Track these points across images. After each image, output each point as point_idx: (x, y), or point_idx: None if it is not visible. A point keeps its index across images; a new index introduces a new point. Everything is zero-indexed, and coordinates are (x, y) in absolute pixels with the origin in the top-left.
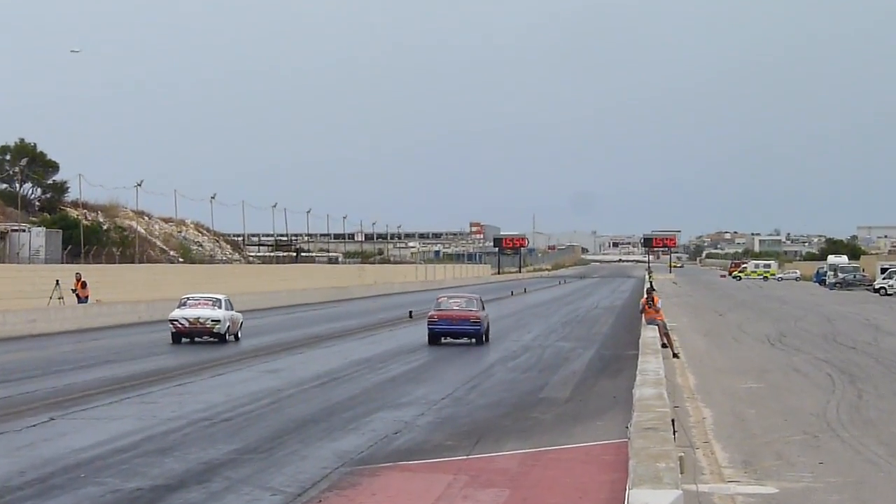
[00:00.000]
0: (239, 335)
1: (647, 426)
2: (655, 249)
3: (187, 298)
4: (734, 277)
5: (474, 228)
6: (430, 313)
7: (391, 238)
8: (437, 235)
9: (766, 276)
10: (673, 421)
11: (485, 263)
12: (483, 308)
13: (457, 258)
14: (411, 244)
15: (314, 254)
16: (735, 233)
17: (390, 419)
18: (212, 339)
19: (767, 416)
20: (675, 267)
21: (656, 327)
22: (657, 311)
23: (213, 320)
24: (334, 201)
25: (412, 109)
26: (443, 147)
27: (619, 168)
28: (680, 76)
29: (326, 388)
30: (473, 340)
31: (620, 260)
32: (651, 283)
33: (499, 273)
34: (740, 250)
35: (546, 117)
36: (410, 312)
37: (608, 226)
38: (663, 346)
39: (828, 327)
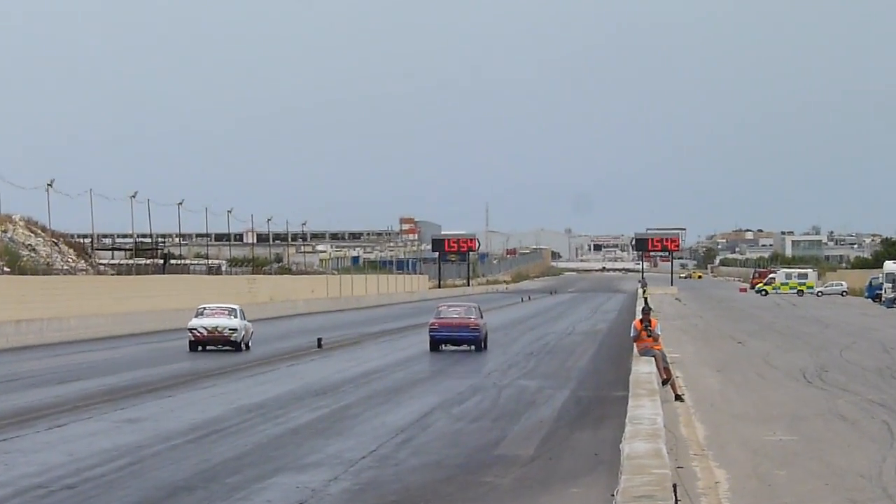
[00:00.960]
0: (250, 345)
1: (639, 494)
2: (652, 254)
3: (204, 308)
4: (758, 292)
5: (406, 226)
6: (430, 321)
7: (293, 240)
8: (355, 236)
9: (802, 290)
10: (675, 487)
11: (421, 274)
12: (481, 316)
13: (383, 266)
14: (321, 248)
15: (189, 261)
16: (759, 231)
17: (292, 486)
18: (228, 347)
19: (803, 480)
20: (679, 278)
21: (653, 360)
22: (655, 338)
23: (230, 329)
24: (216, 191)
25: (322, 72)
26: (364, 122)
27: (601, 148)
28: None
29: (205, 443)
30: (472, 347)
31: (604, 268)
32: (646, 300)
33: (439, 286)
34: (766, 255)
35: (502, 84)
36: (320, 340)
37: (588, 223)
38: (663, 384)
39: (884, 359)
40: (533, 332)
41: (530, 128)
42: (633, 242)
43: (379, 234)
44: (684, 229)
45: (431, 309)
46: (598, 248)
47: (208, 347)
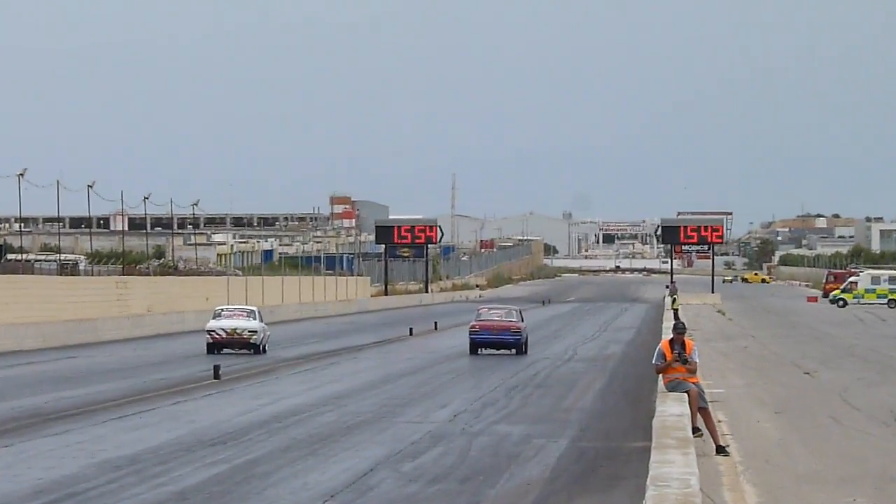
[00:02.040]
0: (266, 348)
1: None
2: (685, 248)
3: (222, 309)
4: (834, 301)
5: (339, 208)
6: (471, 323)
7: (181, 227)
8: (268, 222)
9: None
10: None
11: (360, 275)
12: (522, 319)
13: (307, 264)
14: (219, 238)
15: (33, 256)
16: (835, 217)
17: None
18: (247, 350)
19: None
20: (724, 282)
21: (686, 397)
22: (689, 367)
23: (249, 331)
24: (72, 160)
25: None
26: (279, 73)
27: (610, 106)
28: None
29: None
30: (513, 351)
31: (618, 268)
32: (677, 313)
33: (386, 292)
34: (845, 249)
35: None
36: (217, 369)
37: (595, 206)
38: (696, 432)
39: None
40: (517, 357)
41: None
42: (659, 232)
43: (301, 220)
44: (730, 214)
45: (373, 324)
46: (608, 239)
47: (225, 351)
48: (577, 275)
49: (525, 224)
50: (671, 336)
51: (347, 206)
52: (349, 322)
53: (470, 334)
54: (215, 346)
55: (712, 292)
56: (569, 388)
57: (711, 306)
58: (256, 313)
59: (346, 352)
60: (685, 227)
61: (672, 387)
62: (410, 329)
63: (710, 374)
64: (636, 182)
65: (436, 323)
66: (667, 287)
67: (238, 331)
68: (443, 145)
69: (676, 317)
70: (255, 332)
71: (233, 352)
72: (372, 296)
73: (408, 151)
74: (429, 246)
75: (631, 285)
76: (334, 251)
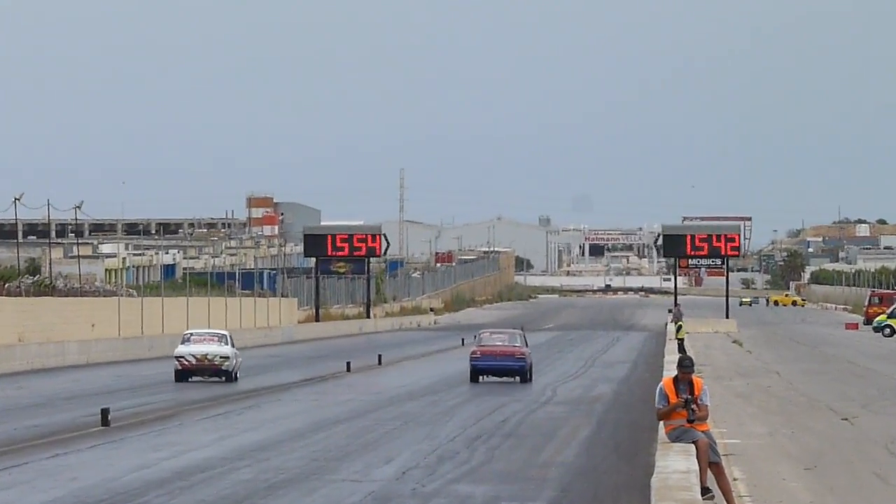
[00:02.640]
0: (238, 375)
1: None
2: (693, 262)
3: (191, 334)
4: (879, 329)
5: (259, 212)
6: (472, 349)
7: (60, 235)
8: (170, 229)
9: None
10: None
11: (285, 296)
12: (526, 344)
13: (217, 281)
14: (107, 249)
15: None
16: (881, 223)
17: None
18: (218, 378)
19: None
20: (742, 304)
21: (693, 449)
22: (699, 411)
23: (221, 357)
24: None
25: None
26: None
27: (598, 85)
28: None
29: None
30: (517, 378)
31: (608, 287)
32: (683, 343)
33: (317, 318)
34: (893, 264)
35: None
36: (105, 413)
37: (581, 211)
38: (706, 493)
39: None
40: (482, 397)
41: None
42: (659, 242)
43: (211, 227)
44: (749, 220)
45: (301, 358)
46: (597, 251)
47: (194, 378)
48: (556, 296)
49: (492, 232)
50: (675, 373)
51: (269, 210)
52: (272, 355)
53: (471, 360)
54: (184, 374)
55: (727, 318)
56: (546, 437)
57: (725, 335)
58: (228, 338)
59: (267, 392)
60: (693, 237)
61: (676, 436)
62: (348, 364)
63: (723, 421)
64: (631, 180)
65: (380, 356)
66: (670, 311)
67: (209, 357)
68: (389, 134)
69: (682, 349)
70: (227, 357)
71: (203, 379)
72: (300, 322)
73: (344, 142)
74: (371, 260)
75: (625, 309)
76: (252, 266)
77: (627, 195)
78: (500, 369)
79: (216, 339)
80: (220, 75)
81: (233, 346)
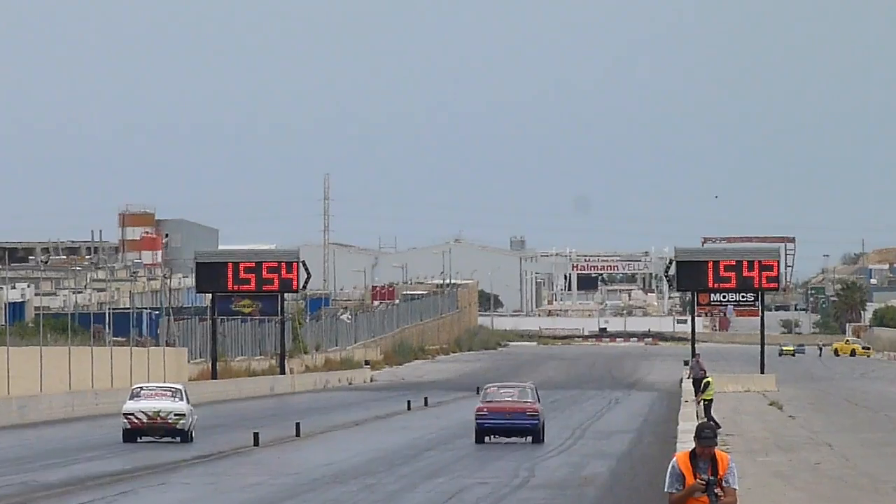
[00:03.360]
0: (194, 434)
1: None
2: (717, 297)
3: (140, 388)
4: None
5: (137, 233)
6: (477, 406)
7: None
8: (18, 255)
9: None
10: None
11: (171, 344)
12: (539, 399)
13: (81, 325)
14: None
15: None
16: None
17: None
18: (172, 438)
19: None
20: (782, 353)
21: None
22: (724, 496)
23: (176, 414)
24: None
25: None
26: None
27: (582, 65)
28: None
29: None
30: (529, 439)
31: (603, 332)
32: (708, 407)
33: (214, 375)
34: None
35: None
36: None
37: (568, 232)
38: None
39: None
40: (435, 479)
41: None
42: (671, 271)
43: (72, 252)
44: (791, 241)
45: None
46: (588, 283)
47: (145, 438)
48: (534, 343)
49: (447, 259)
50: (692, 447)
51: (149, 230)
52: None
53: (476, 419)
54: (133, 433)
55: (762, 372)
56: None
57: (761, 395)
58: (182, 392)
59: (148, 474)
60: (716, 264)
61: None
62: (256, 435)
63: None
64: (633, 190)
65: (298, 425)
66: (686, 363)
67: (162, 414)
68: (309, 131)
69: (707, 413)
70: (183, 415)
71: (154, 440)
72: (191, 379)
73: (249, 142)
74: (286, 296)
75: (626, 361)
76: (128, 304)
77: (629, 209)
78: (510, 429)
79: (169, 393)
80: (86, 57)
81: (188, 401)
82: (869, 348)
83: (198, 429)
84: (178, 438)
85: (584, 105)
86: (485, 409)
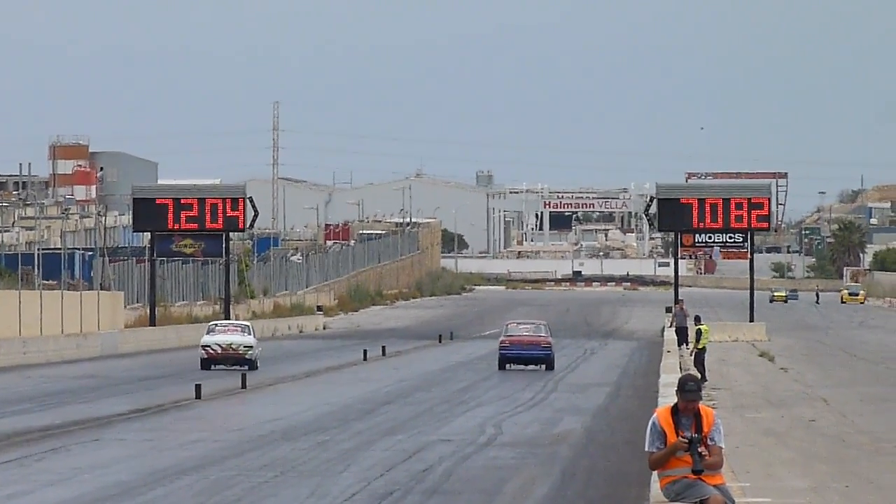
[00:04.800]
0: (258, 363)
1: None
2: (702, 238)
3: (216, 324)
4: None
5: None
6: (500, 339)
7: None
8: None
9: None
10: None
11: (105, 288)
12: (551, 334)
13: (9, 267)
14: None
15: None
16: None
17: None
18: (241, 366)
19: None
20: (773, 298)
21: None
22: (709, 455)
23: (245, 346)
24: None
25: None
26: None
27: None
28: None
29: None
30: (543, 367)
31: (578, 275)
32: (701, 356)
33: (152, 321)
34: None
35: None
36: None
37: (538, 167)
38: None
39: None
40: (393, 436)
41: None
42: (653, 210)
43: None
44: (784, 177)
45: (130, 378)
46: (562, 222)
47: (219, 366)
48: (502, 287)
49: (408, 195)
50: (677, 399)
51: (82, 164)
52: (86, 374)
53: (500, 349)
54: (210, 362)
55: (751, 320)
56: (487, 496)
57: (750, 345)
58: (250, 328)
59: (80, 429)
60: (701, 202)
61: (677, 492)
62: (198, 387)
63: (746, 471)
64: (611, 121)
65: (244, 376)
66: (668, 310)
67: (233, 346)
68: (255, 54)
69: (700, 365)
70: (251, 347)
71: (226, 368)
72: (128, 326)
73: (190, 66)
74: (232, 236)
75: (603, 307)
76: (59, 244)
77: (606, 142)
78: (527, 358)
79: (239, 329)
80: None
81: (254, 335)
82: (864, 294)
83: (126, 381)
84: (247, 367)
85: (556, 32)
86: (507, 342)
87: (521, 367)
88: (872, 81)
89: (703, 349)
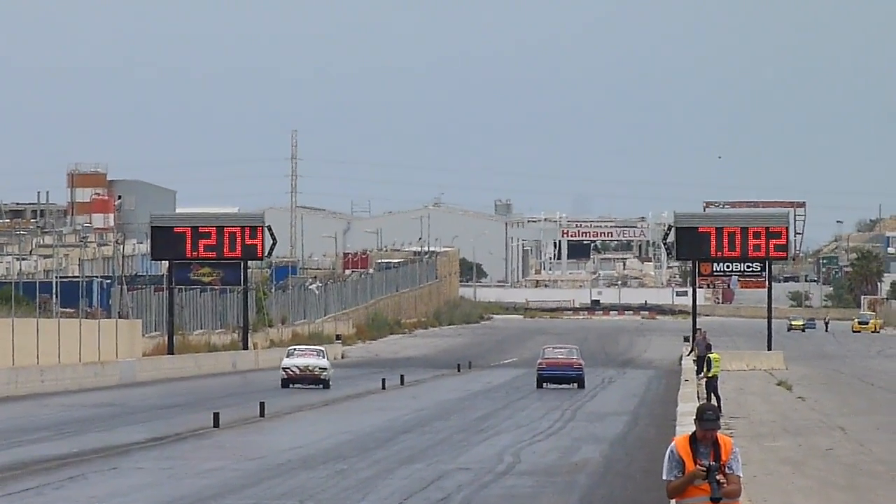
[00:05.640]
0: (331, 383)
1: None
2: (720, 267)
3: (294, 349)
4: None
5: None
6: (538, 361)
7: None
8: None
9: None
10: None
11: (124, 316)
12: (581, 357)
13: (25, 295)
14: None
15: None
16: None
17: None
18: (316, 385)
19: None
20: (791, 327)
21: None
22: (727, 483)
23: (320, 368)
24: None
25: None
26: None
27: (580, 25)
28: None
29: None
30: (575, 385)
31: (596, 304)
32: (713, 384)
33: (170, 350)
34: None
35: None
36: None
37: (557, 197)
38: None
39: None
40: (412, 464)
41: None
42: (671, 239)
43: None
44: (802, 206)
45: (148, 407)
46: (580, 251)
47: (297, 385)
48: (520, 316)
49: (426, 224)
50: (693, 430)
51: (100, 192)
52: (104, 402)
53: (538, 370)
54: (289, 381)
55: (769, 349)
56: None
57: (767, 374)
58: (324, 353)
59: (98, 457)
60: (719, 231)
61: None
62: (216, 416)
63: (764, 500)
64: (630, 150)
65: (262, 405)
66: (686, 339)
67: (310, 368)
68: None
69: (713, 393)
70: (325, 368)
71: (303, 387)
72: (146, 354)
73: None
74: (250, 264)
75: (621, 336)
76: (77, 272)
77: (624, 171)
78: (561, 377)
79: (315, 353)
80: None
81: (328, 359)
82: (882, 319)
83: (144, 409)
84: (322, 386)
85: (575, 59)
86: (544, 364)
87: (556, 385)
88: (891, 111)
89: (715, 377)
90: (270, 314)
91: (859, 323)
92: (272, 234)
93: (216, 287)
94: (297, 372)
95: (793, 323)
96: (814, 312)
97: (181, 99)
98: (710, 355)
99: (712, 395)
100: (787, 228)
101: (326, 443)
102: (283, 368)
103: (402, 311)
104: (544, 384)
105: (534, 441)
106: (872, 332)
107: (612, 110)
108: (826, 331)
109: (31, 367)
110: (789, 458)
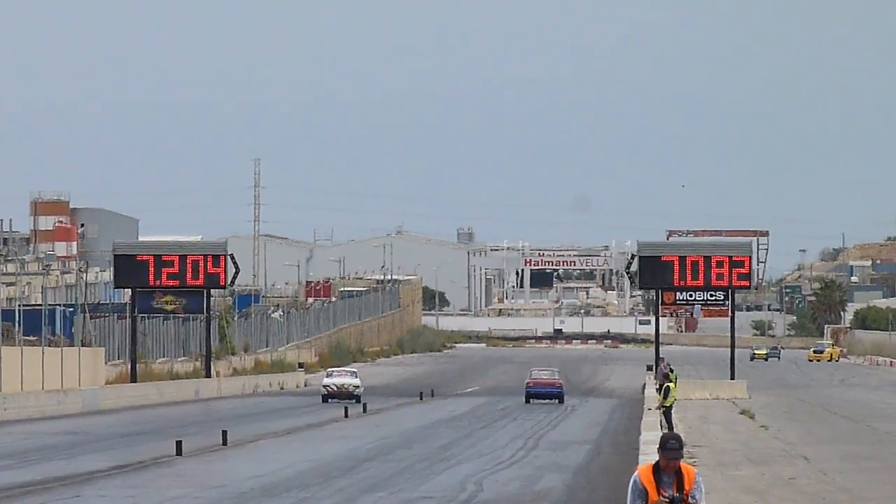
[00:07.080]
0: (362, 399)
1: None
2: (683, 296)
3: (332, 371)
4: None
5: (49, 222)
6: (526, 380)
7: None
8: None
9: None
10: None
11: (86, 344)
12: (560, 377)
13: None
14: None
15: None
16: None
17: None
18: (349, 400)
19: None
20: (754, 357)
21: None
22: None
23: (354, 386)
24: None
25: None
26: None
27: (546, 52)
28: None
29: None
30: (557, 401)
31: (558, 333)
32: (668, 413)
33: (133, 377)
34: None
35: None
36: None
37: (520, 224)
38: None
39: None
40: (374, 493)
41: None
42: (634, 267)
43: None
44: (765, 235)
45: (111, 435)
46: (543, 279)
47: (334, 400)
48: (483, 345)
49: (388, 252)
50: (657, 459)
51: (63, 220)
52: (67, 430)
53: (526, 388)
54: (328, 397)
55: (732, 378)
56: None
57: (731, 403)
58: (356, 374)
59: (61, 485)
60: (682, 259)
61: None
62: (178, 444)
63: None
64: (593, 179)
65: (225, 433)
66: (649, 368)
67: (345, 386)
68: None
69: (668, 422)
70: (358, 386)
71: (339, 402)
72: (109, 382)
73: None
74: (213, 292)
75: (583, 365)
76: (40, 300)
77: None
78: (544, 394)
79: (350, 373)
80: None
81: (359, 379)
82: (844, 350)
83: (107, 437)
84: (355, 401)
85: (540, 89)
86: (531, 383)
87: (540, 401)
88: (855, 140)
89: (670, 407)
90: (233, 342)
91: (814, 352)
92: (235, 263)
93: (179, 315)
94: (336, 389)
95: (756, 352)
96: (776, 342)
97: (143, 127)
98: (667, 384)
99: (668, 421)
100: (750, 257)
101: (289, 471)
102: (324, 386)
103: (365, 339)
104: (531, 400)
105: (496, 470)
106: (828, 360)
107: (574, 140)
108: (778, 359)
109: None
110: (752, 486)
